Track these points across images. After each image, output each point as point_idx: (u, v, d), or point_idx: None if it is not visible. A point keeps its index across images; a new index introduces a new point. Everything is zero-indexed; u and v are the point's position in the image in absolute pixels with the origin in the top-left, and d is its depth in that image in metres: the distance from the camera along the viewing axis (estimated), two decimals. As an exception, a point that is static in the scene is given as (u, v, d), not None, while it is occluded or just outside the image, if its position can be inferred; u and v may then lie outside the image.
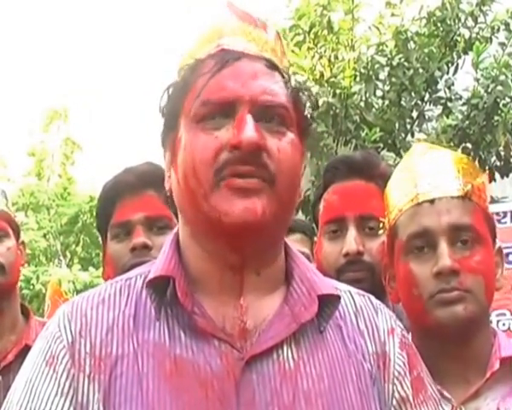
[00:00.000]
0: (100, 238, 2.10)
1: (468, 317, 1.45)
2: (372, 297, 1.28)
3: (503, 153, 5.40)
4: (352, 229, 1.87)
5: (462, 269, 1.47)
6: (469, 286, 1.46)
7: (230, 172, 1.11)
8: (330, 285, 1.22)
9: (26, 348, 2.17)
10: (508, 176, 5.52)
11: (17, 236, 2.38)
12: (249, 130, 1.10)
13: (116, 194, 1.98)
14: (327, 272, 1.76)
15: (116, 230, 1.97)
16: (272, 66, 1.18)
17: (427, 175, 1.54)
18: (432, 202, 1.51)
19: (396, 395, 1.19)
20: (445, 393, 1.46)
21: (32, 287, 11.68)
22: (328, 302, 1.18)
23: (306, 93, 1.22)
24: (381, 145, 5.37)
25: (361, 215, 1.88)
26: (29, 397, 1.11)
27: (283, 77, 1.19)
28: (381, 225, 1.65)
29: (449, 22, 5.50)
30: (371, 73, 5.43)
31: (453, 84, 5.51)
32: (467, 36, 5.54)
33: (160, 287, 1.15)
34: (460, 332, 1.47)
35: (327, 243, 1.92)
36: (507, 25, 5.34)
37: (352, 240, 1.86)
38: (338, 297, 1.19)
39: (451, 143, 5.29)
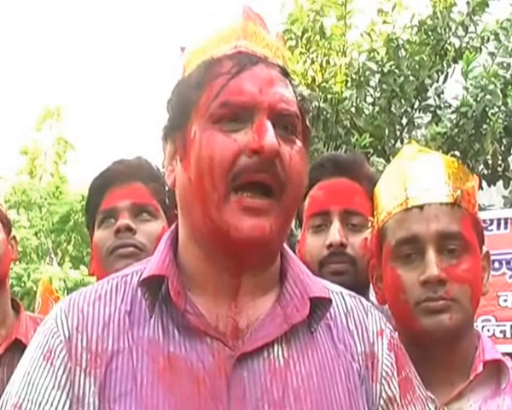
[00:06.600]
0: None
1: (453, 325, 1.47)
2: (363, 299, 1.30)
3: (490, 161, 5.41)
4: (337, 222, 1.89)
5: (448, 278, 1.47)
6: (455, 295, 1.47)
7: (246, 180, 1.12)
8: (322, 287, 1.24)
9: (16, 342, 2.22)
10: (495, 184, 5.55)
11: (8, 230, 2.37)
12: (270, 136, 1.11)
13: (105, 183, 2.00)
14: (309, 265, 1.75)
15: (102, 216, 1.98)
16: (284, 73, 1.20)
17: (417, 179, 1.53)
18: (421, 207, 1.50)
19: (383, 394, 1.22)
20: (429, 393, 1.45)
21: (23, 284, 11.62)
22: (319, 304, 1.20)
23: (308, 102, 1.23)
24: (371, 151, 5.38)
25: (346, 210, 1.90)
26: (27, 389, 1.14)
27: (292, 85, 1.20)
28: (370, 224, 1.65)
29: (440, 31, 5.52)
30: (362, 79, 5.45)
31: (443, 92, 5.53)
32: (457, 45, 5.55)
33: (154, 285, 1.17)
34: (445, 340, 1.48)
35: (310, 237, 1.93)
36: (496, 35, 5.35)
37: (335, 232, 1.88)
38: (330, 300, 1.22)
39: (440, 151, 5.31)
